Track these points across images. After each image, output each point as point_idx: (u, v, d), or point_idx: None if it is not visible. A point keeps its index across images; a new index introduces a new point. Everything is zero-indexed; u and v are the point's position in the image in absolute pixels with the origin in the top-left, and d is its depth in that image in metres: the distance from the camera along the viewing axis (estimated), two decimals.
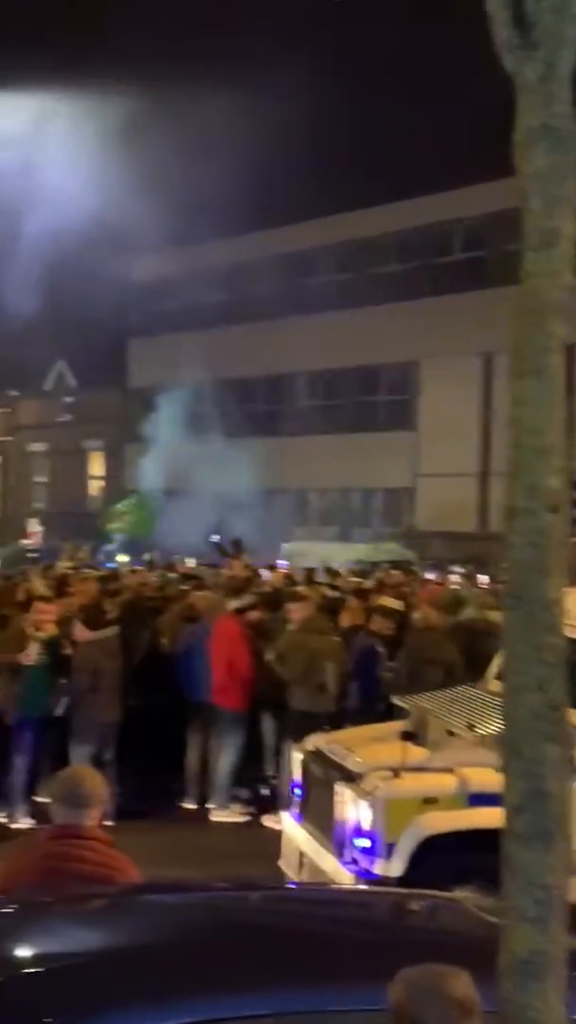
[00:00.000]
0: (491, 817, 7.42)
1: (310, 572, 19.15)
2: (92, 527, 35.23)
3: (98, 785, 4.74)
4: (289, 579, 17.93)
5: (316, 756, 8.54)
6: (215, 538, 24.12)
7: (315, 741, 8.87)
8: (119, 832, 11.43)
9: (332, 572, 19.75)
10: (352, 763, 7.92)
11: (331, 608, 13.81)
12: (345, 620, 13.22)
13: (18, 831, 10.90)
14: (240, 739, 11.81)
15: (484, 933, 4.04)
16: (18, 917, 3.79)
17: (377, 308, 36.04)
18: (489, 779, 7.61)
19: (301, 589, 14.84)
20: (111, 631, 11.65)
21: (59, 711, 11.59)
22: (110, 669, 11.37)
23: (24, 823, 11.07)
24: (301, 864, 8.29)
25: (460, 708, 8.50)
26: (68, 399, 47.14)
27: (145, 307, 43.17)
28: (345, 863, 7.53)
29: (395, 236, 36.78)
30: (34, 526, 27.50)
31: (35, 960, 3.42)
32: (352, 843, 7.53)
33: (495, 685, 9.04)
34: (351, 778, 7.74)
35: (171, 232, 34.50)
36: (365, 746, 8.18)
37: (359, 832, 7.46)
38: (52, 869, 4.36)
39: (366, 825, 7.39)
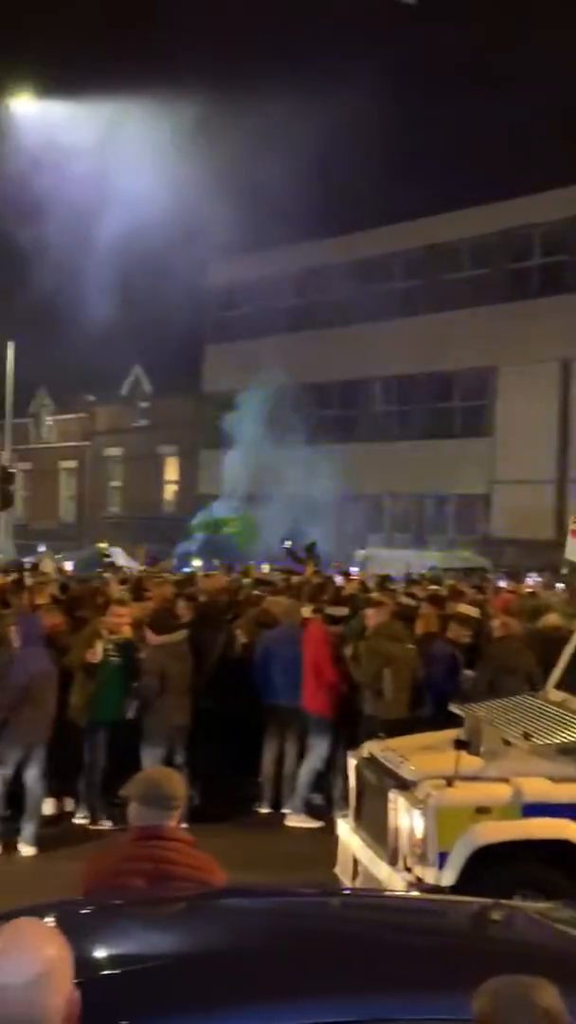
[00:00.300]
0: (545, 828, 7.39)
1: (383, 578, 19.07)
2: (166, 531, 35.47)
3: (179, 786, 4.73)
4: (362, 585, 17.88)
5: (370, 763, 8.51)
6: (288, 543, 24.14)
7: (370, 748, 8.82)
8: (192, 836, 11.46)
9: (412, 580, 19.66)
10: (406, 771, 7.88)
11: (406, 615, 13.74)
12: (419, 627, 13.14)
13: (98, 832, 10.98)
14: (326, 745, 11.77)
15: (566, 945, 3.98)
16: (98, 918, 3.79)
17: (453, 313, 35.86)
18: (544, 789, 7.53)
19: (376, 595, 14.79)
20: (179, 635, 11.67)
21: (130, 714, 11.64)
22: (178, 672, 11.39)
23: (104, 824, 11.14)
24: (355, 871, 8.25)
25: (517, 717, 8.41)
26: (144, 404, 47.52)
27: (220, 313, 43.40)
28: (398, 871, 7.49)
29: (472, 241, 36.57)
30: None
31: (114, 961, 3.41)
32: (405, 851, 7.50)
33: (555, 694, 8.93)
34: (405, 786, 7.69)
35: (247, 238, 34.68)
36: (419, 754, 8.11)
37: (412, 840, 7.43)
38: (139, 871, 4.34)
39: (419, 833, 7.35)
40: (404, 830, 7.50)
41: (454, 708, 9.01)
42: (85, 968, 3.30)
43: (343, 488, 34.12)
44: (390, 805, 7.66)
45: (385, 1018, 3.11)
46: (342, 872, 8.52)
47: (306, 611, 13.60)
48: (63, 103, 26.13)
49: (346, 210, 35.91)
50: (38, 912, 3.12)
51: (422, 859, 7.30)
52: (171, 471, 47.16)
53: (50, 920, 3.10)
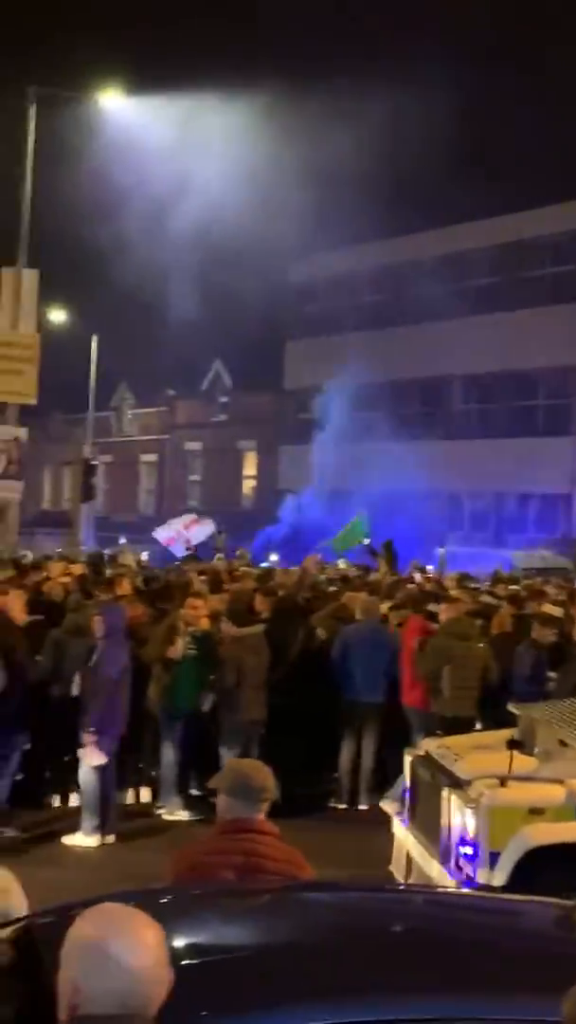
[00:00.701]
0: None
1: (462, 576, 18.95)
2: (245, 525, 35.59)
3: (269, 778, 4.71)
4: (439, 584, 17.78)
5: (425, 760, 8.45)
6: (366, 541, 24.06)
7: (426, 745, 8.78)
8: None
9: (499, 579, 19.48)
10: (460, 769, 7.82)
11: (485, 614, 13.65)
12: (495, 627, 13.06)
13: (174, 823, 11.05)
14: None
15: None
16: (174, 908, 3.81)
17: (534, 311, 35.48)
18: None
19: (453, 592, 14.71)
20: (257, 628, 11.69)
21: (206, 707, 11.69)
22: (255, 666, 11.40)
23: (180, 816, 11.21)
24: (409, 868, 8.20)
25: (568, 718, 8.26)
26: (224, 399, 47.74)
27: (301, 309, 43.41)
28: (449, 870, 7.44)
29: (552, 238, 36.15)
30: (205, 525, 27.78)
31: (194, 952, 3.42)
32: (457, 850, 7.45)
33: None
34: (458, 784, 7.64)
35: (328, 234, 34.64)
36: (474, 753, 8.07)
37: (464, 839, 7.38)
38: (228, 864, 4.32)
39: (471, 833, 7.31)
40: (456, 829, 7.46)
41: (511, 708, 8.90)
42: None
43: (422, 486, 33.95)
44: (443, 803, 7.63)
45: (471, 1017, 3.08)
46: (396, 869, 8.49)
47: (384, 608, 13.58)
48: (144, 99, 26.28)
49: (427, 207, 35.73)
50: (124, 899, 3.13)
51: (473, 858, 7.27)
52: (250, 466, 47.32)
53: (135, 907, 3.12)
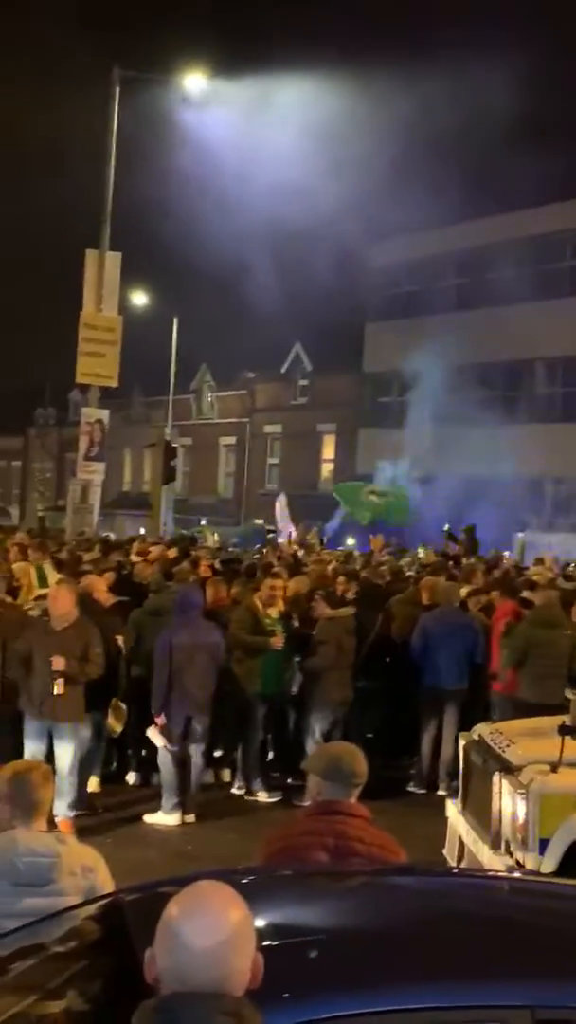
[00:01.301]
0: None
1: (539, 562, 18.77)
2: (323, 509, 35.56)
3: (361, 762, 4.73)
4: (517, 569, 17.63)
5: (478, 745, 8.40)
6: (446, 526, 23.93)
7: (480, 730, 8.73)
8: None
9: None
10: (512, 755, 7.77)
11: (566, 600, 13.52)
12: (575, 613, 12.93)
13: (254, 803, 11.12)
14: None
15: None
16: (268, 888, 3.83)
17: None
18: None
19: (538, 578, 14.58)
20: (348, 610, 11.73)
21: (294, 688, 11.73)
22: (347, 647, 11.46)
23: (260, 796, 11.27)
24: (461, 853, 8.14)
25: None
26: (303, 382, 47.70)
27: (383, 291, 43.16)
28: (500, 855, 7.40)
29: None
30: (282, 507, 27.86)
31: (282, 932, 3.43)
32: (507, 835, 7.40)
33: None
34: (509, 770, 7.59)
35: (410, 216, 34.37)
36: (527, 738, 7.97)
37: (514, 825, 7.32)
38: (320, 845, 4.34)
39: (521, 818, 7.25)
40: (507, 814, 7.42)
41: (568, 694, 8.79)
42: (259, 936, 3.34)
43: (504, 471, 33.65)
44: (494, 788, 7.59)
45: (546, 1005, 3.06)
46: (449, 854, 8.44)
47: (464, 592, 13.52)
48: (225, 83, 26.29)
49: (511, 188, 35.26)
50: (216, 877, 3.16)
51: (523, 844, 7.22)
52: (328, 449, 47.25)
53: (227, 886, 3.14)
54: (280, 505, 27.75)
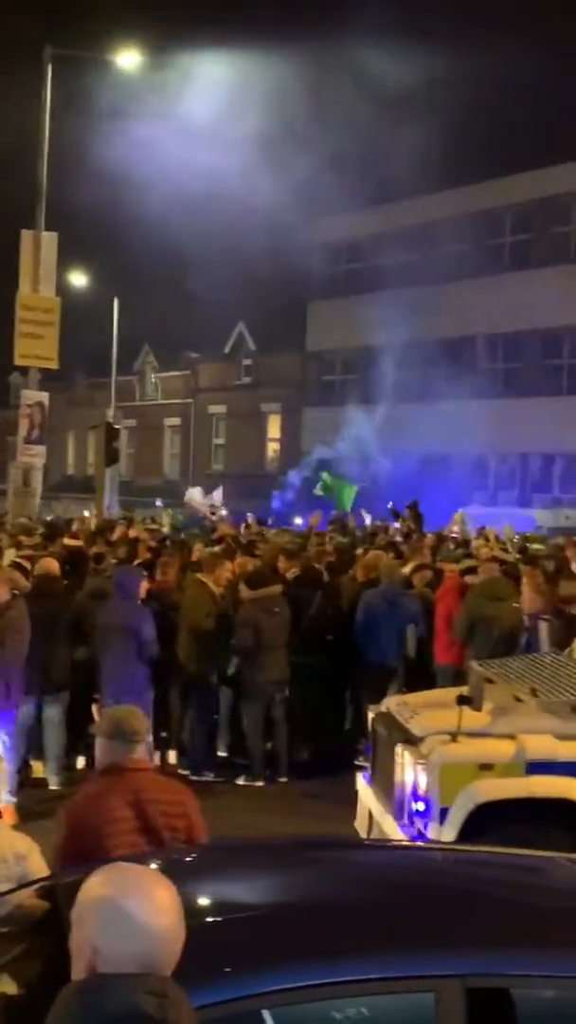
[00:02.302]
0: (547, 786, 7.23)
1: (482, 536, 18.85)
2: (267, 489, 35.56)
3: (141, 722, 5.07)
4: (458, 542, 17.74)
5: (385, 717, 8.43)
6: (390, 504, 23.99)
7: (388, 702, 8.75)
8: (291, 788, 11.49)
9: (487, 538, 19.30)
10: (414, 726, 7.79)
11: (511, 574, 13.59)
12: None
13: (200, 784, 11.12)
14: None
15: None
16: (195, 863, 3.82)
17: (560, 268, 35.12)
18: (549, 747, 7.38)
19: (484, 551, 14.67)
20: (271, 590, 11.66)
21: (231, 670, 11.72)
22: (272, 627, 11.39)
23: (206, 776, 11.28)
24: (370, 826, 8.15)
25: (533, 674, 8.23)
26: (247, 362, 47.59)
27: (324, 270, 43.11)
28: (403, 826, 7.42)
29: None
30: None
31: (216, 908, 3.43)
32: (409, 806, 7.43)
33: None
34: (411, 741, 7.62)
35: (350, 194, 34.34)
36: (431, 709, 7.97)
37: (416, 795, 7.36)
38: (120, 802, 4.72)
39: (421, 789, 7.30)
40: (409, 785, 7.45)
41: (472, 664, 8.80)
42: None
43: (446, 447, 33.81)
44: (396, 759, 7.61)
45: (480, 973, 3.08)
46: (360, 826, 8.43)
47: (407, 569, 13.56)
48: (171, 56, 26.09)
49: (454, 165, 35.34)
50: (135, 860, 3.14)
51: (425, 814, 7.26)
52: (274, 429, 47.24)
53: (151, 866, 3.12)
54: (194, 496, 27.82)
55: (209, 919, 3.34)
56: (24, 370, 24.75)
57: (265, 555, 13.89)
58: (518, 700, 7.87)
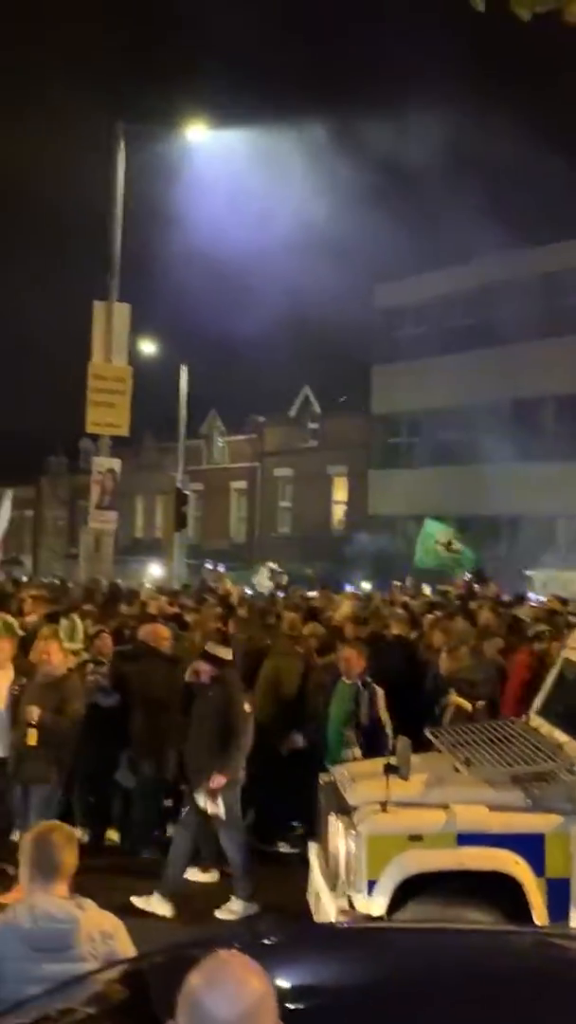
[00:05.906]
0: (478, 858, 7.01)
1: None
2: (335, 551, 35.54)
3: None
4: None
5: (328, 786, 8.24)
6: (474, 567, 23.85)
7: (335, 770, 8.52)
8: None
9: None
10: (350, 795, 7.60)
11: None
12: None
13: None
14: None
15: None
16: (287, 950, 3.81)
17: None
18: (480, 818, 7.14)
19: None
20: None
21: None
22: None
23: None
24: (318, 898, 7.92)
25: (480, 742, 7.98)
26: (313, 425, 47.81)
27: (389, 333, 43.36)
28: (336, 897, 7.22)
29: None
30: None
31: (306, 995, 3.42)
32: (343, 877, 7.24)
33: (535, 720, 8.49)
34: (345, 810, 7.43)
35: (416, 258, 34.62)
36: (368, 778, 7.69)
37: (347, 867, 7.17)
38: None
39: (352, 860, 7.10)
40: (342, 856, 7.26)
41: (428, 733, 8.55)
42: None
43: (515, 509, 33.63)
44: (331, 829, 7.46)
45: None
46: (312, 898, 8.15)
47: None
48: (230, 131, 26.57)
49: (517, 227, 35.51)
50: (223, 943, 3.16)
51: (354, 886, 7.07)
52: (340, 491, 47.30)
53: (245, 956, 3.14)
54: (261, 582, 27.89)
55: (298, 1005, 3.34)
56: (94, 436, 25.07)
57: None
58: (456, 770, 7.64)
